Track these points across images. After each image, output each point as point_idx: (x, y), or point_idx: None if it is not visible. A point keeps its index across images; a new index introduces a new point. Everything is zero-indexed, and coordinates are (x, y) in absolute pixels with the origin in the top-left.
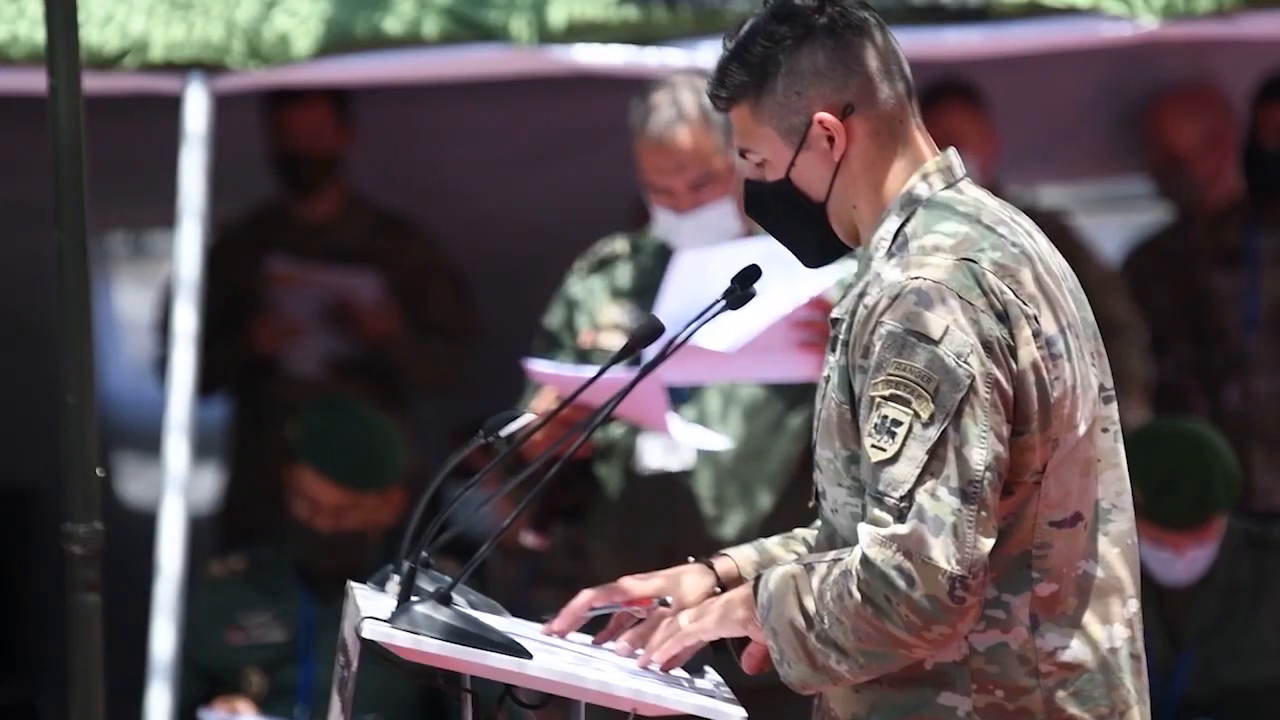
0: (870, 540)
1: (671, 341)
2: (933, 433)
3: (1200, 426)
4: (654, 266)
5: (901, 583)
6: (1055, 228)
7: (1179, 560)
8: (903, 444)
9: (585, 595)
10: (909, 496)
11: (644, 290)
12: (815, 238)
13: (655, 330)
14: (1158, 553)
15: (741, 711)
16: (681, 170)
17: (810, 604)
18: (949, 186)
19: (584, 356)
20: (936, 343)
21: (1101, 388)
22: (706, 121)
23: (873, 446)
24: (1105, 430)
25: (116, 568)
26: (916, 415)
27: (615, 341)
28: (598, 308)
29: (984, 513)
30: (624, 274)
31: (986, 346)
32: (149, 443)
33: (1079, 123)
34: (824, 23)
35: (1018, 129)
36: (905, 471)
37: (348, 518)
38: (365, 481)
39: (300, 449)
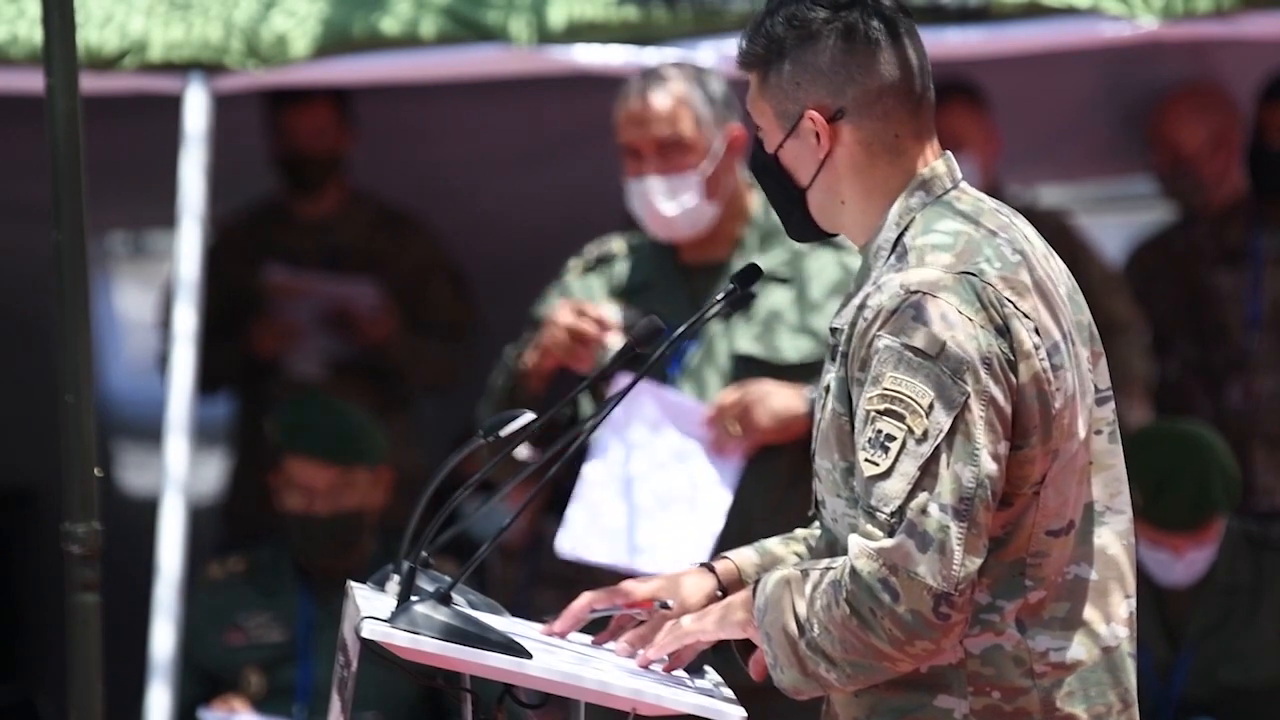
0: (859, 553)
1: (672, 340)
2: (926, 449)
3: (1199, 428)
4: (650, 266)
5: (886, 597)
6: (1055, 227)
7: (1178, 561)
8: (895, 459)
9: (586, 597)
10: (899, 512)
11: (640, 289)
12: (796, 217)
13: (655, 330)
14: (1156, 554)
15: (741, 711)
16: (648, 126)
17: (802, 611)
18: (947, 192)
19: None
20: (933, 359)
21: (1097, 389)
22: (686, 97)
23: (866, 460)
24: (1099, 432)
25: (118, 557)
26: (910, 431)
27: (613, 341)
28: (596, 302)
29: (974, 530)
30: (620, 273)
31: (985, 363)
32: (151, 435)
33: (1080, 122)
34: (842, 24)
35: (1019, 129)
36: (897, 487)
37: (344, 497)
38: (354, 456)
39: (284, 441)
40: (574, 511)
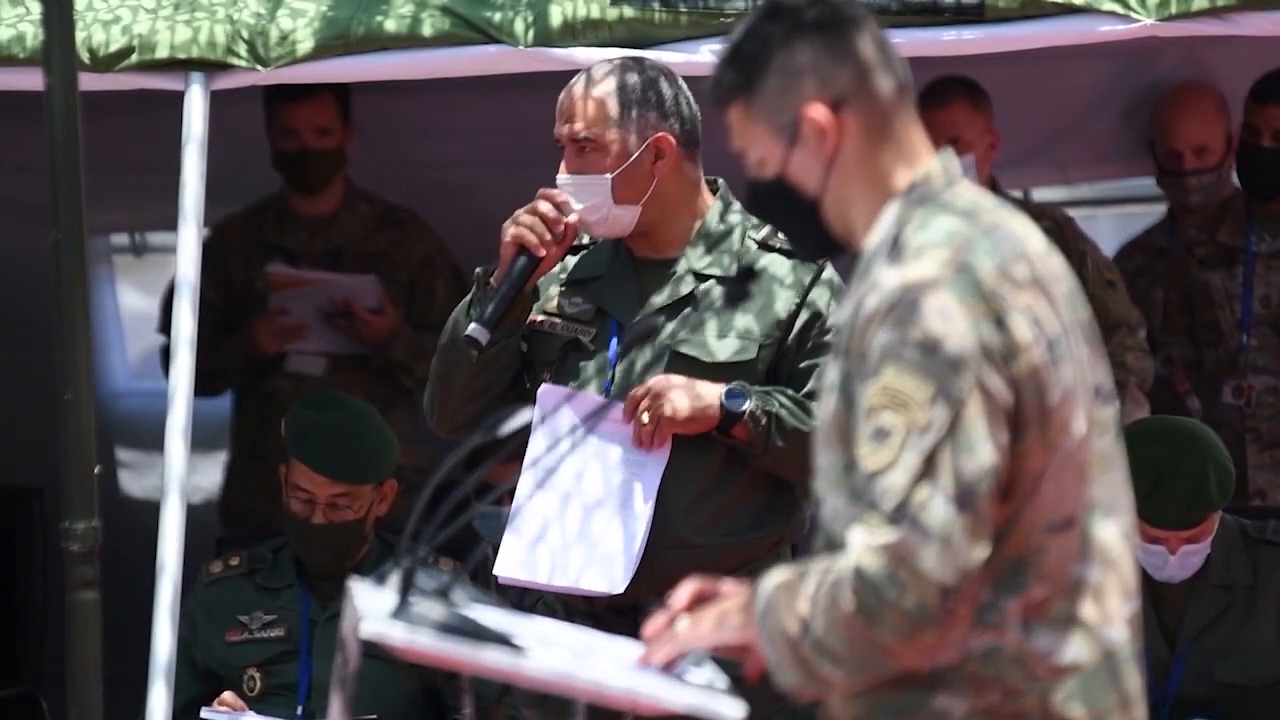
0: (862, 548)
1: (659, 333)
2: (927, 442)
3: (1194, 424)
4: (605, 258)
5: (891, 591)
6: (1050, 222)
7: (1171, 558)
8: (897, 453)
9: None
10: (902, 505)
11: (592, 279)
12: (811, 234)
13: (650, 330)
14: (1150, 550)
15: (742, 707)
16: (567, 119)
17: (804, 612)
18: (944, 190)
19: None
20: (932, 353)
21: (1099, 389)
22: (608, 97)
23: (867, 455)
24: (1104, 433)
25: (119, 556)
26: (911, 424)
27: (552, 324)
28: (547, 290)
29: (978, 522)
30: (580, 260)
31: (984, 356)
32: (151, 435)
33: (1078, 122)
34: (812, 18)
35: (1016, 128)
36: (898, 480)
37: (344, 510)
38: (360, 476)
39: (292, 447)
40: (509, 533)
